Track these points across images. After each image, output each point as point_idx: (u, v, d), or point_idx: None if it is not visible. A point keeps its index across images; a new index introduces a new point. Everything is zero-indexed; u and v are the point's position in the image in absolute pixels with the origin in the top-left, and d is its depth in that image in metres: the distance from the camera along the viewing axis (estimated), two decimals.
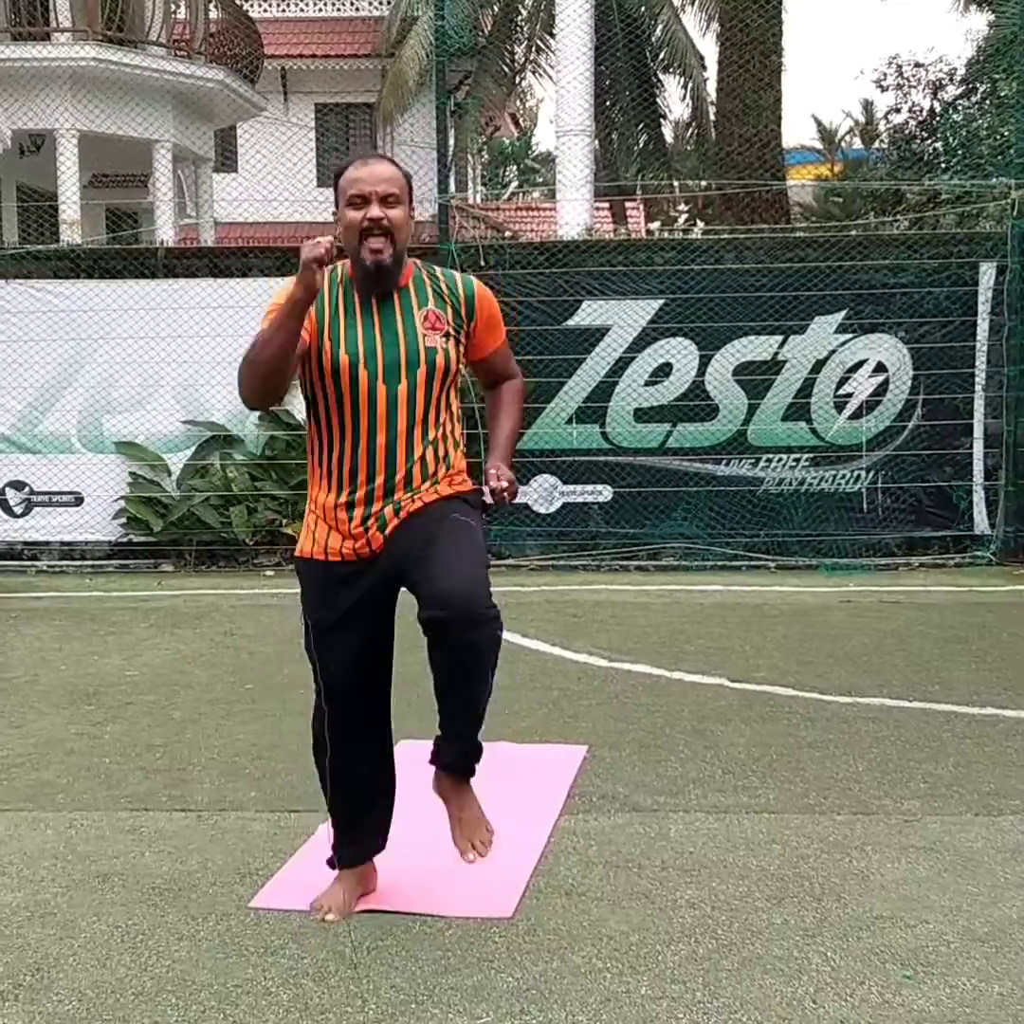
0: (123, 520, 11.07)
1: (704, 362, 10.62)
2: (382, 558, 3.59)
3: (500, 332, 3.80)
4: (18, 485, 11.16)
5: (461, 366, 3.71)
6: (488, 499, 3.65)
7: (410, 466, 3.58)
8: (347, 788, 3.77)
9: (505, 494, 3.56)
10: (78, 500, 11.14)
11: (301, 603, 3.74)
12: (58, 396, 11.07)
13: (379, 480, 3.57)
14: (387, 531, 3.59)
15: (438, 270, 3.73)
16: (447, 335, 3.61)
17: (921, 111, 16.48)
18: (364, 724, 3.76)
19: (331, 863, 3.83)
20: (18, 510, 11.19)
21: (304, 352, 3.56)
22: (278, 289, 3.63)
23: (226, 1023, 3.14)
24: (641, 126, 23.94)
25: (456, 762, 3.67)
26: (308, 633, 3.74)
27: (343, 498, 3.60)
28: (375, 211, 3.49)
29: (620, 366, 10.67)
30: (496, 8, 23.72)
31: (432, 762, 3.70)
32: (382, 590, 3.64)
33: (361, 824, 3.82)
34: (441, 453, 3.64)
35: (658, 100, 24.25)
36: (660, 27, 23.51)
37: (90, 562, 11.17)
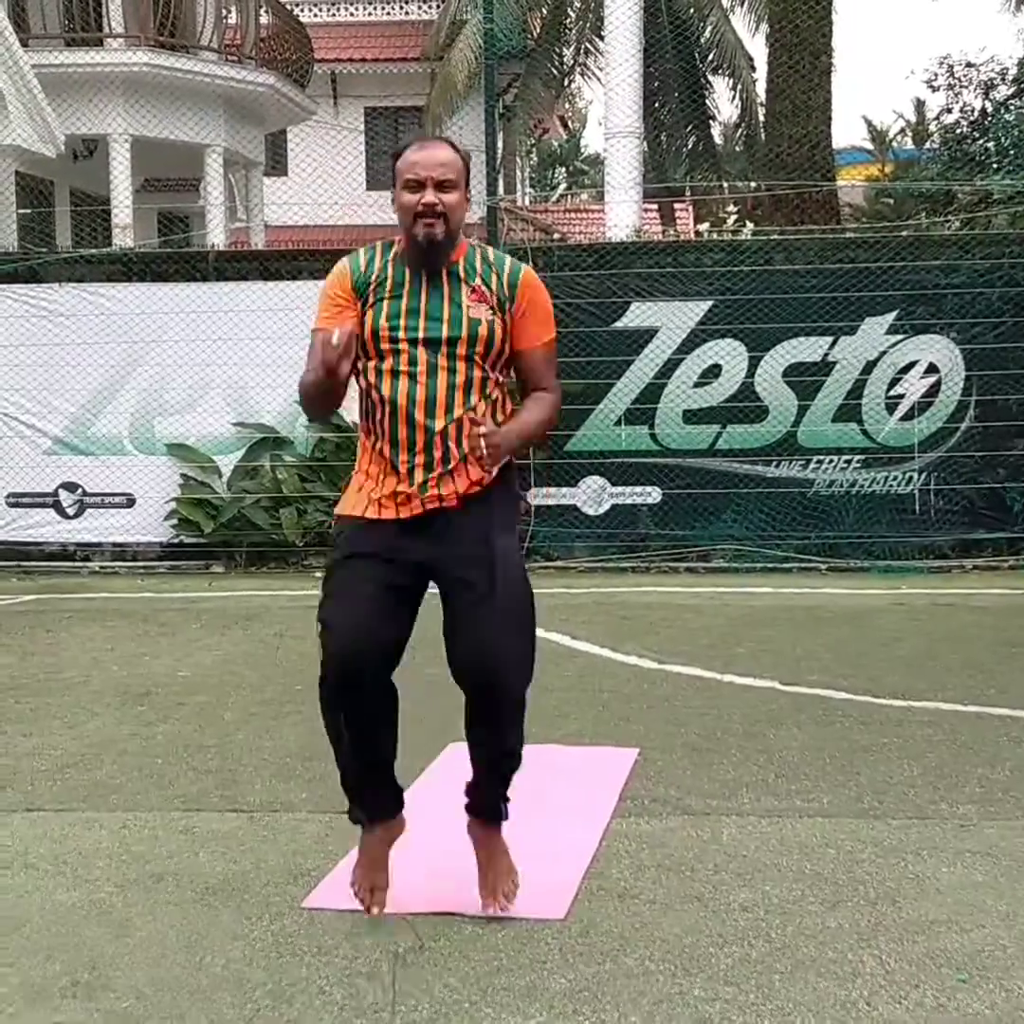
0: (174, 521, 11.15)
1: (754, 363, 10.59)
2: (424, 543, 3.55)
3: (544, 329, 3.72)
4: (71, 487, 11.27)
5: (508, 349, 3.63)
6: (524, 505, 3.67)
7: (448, 432, 3.53)
8: (360, 753, 3.67)
9: (481, 442, 3.45)
10: (130, 502, 11.23)
11: (326, 566, 3.70)
12: (110, 398, 11.17)
13: (421, 446, 3.53)
14: (433, 499, 3.55)
15: (491, 251, 3.74)
16: (493, 310, 3.58)
17: (972, 111, 16.35)
18: (371, 687, 3.61)
19: (355, 820, 3.78)
20: (71, 511, 11.29)
21: (356, 344, 3.59)
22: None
23: (281, 1021, 3.15)
24: (690, 127, 23.90)
25: (486, 808, 3.74)
26: (326, 586, 3.64)
27: (389, 455, 3.57)
28: (429, 196, 3.50)
29: (669, 367, 10.65)
30: (545, 10, 23.72)
31: (466, 807, 3.75)
32: (414, 571, 3.59)
33: (385, 772, 3.74)
34: (485, 408, 3.59)
35: (707, 101, 24.20)
36: (709, 28, 23.48)
37: (142, 563, 11.26)
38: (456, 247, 3.61)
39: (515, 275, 3.67)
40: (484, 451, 3.45)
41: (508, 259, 3.73)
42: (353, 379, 3.65)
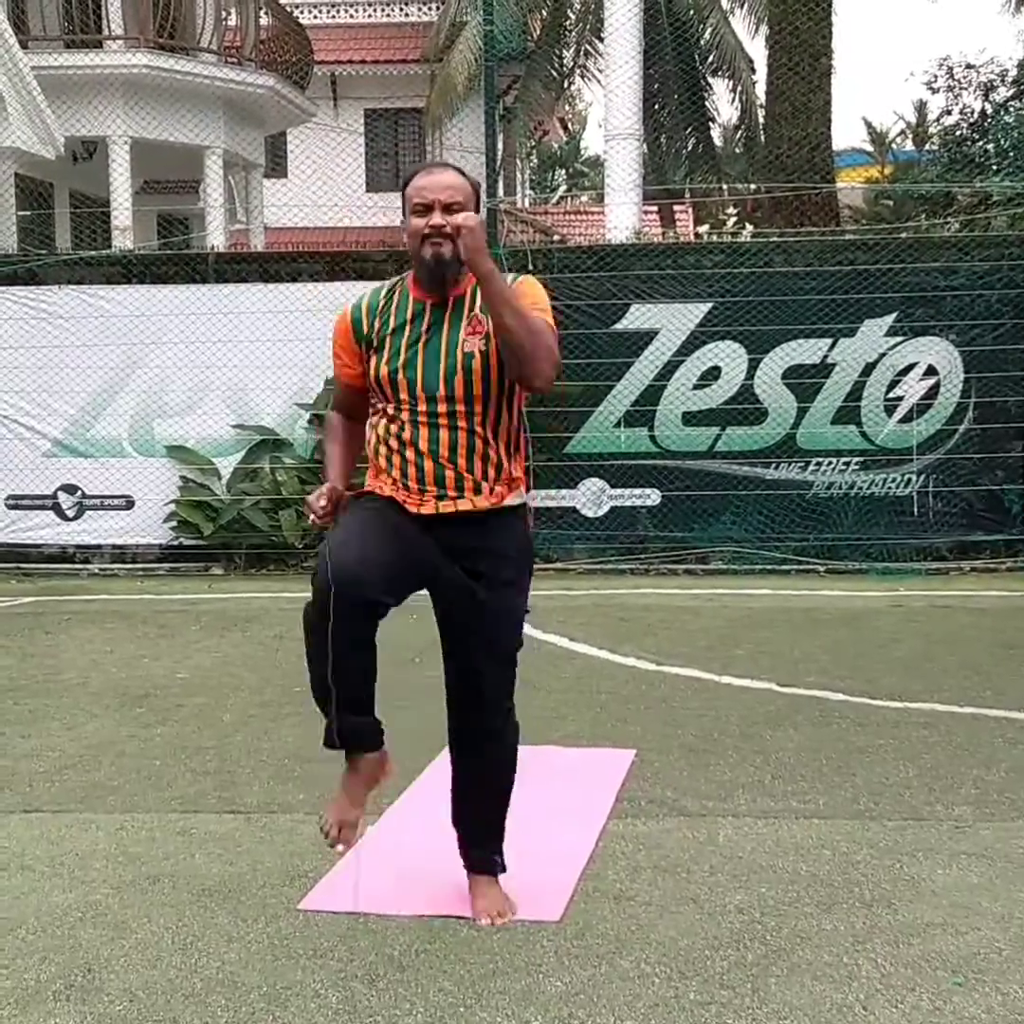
0: (174, 523, 11.15)
1: (753, 365, 10.60)
2: (435, 541, 3.58)
3: (544, 309, 3.62)
4: (70, 489, 11.27)
5: (504, 373, 3.57)
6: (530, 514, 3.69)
7: (461, 473, 3.56)
8: (342, 677, 3.54)
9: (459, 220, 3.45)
10: (129, 503, 11.24)
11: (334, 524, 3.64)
12: (110, 400, 11.17)
13: (431, 483, 3.56)
14: (448, 506, 3.57)
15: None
16: (485, 338, 3.56)
17: (972, 113, 16.37)
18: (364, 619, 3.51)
19: (331, 744, 3.60)
20: (70, 513, 11.30)
21: (361, 391, 3.72)
22: (335, 301, 3.69)
23: None
24: (690, 129, 23.90)
25: (480, 864, 3.80)
26: (335, 531, 3.57)
27: (399, 483, 3.60)
28: (437, 218, 3.51)
29: (668, 370, 10.66)
30: (544, 12, 23.72)
31: (461, 854, 3.83)
32: (430, 549, 3.59)
33: (366, 698, 3.60)
34: (500, 459, 3.62)
35: (707, 103, 24.19)
36: (709, 30, 23.48)
37: (141, 565, 11.27)
38: (465, 272, 3.57)
39: (513, 283, 3.64)
40: (460, 226, 3.44)
41: (510, 275, 3.70)
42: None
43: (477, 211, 3.63)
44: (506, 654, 3.68)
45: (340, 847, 3.63)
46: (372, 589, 3.42)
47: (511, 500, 3.66)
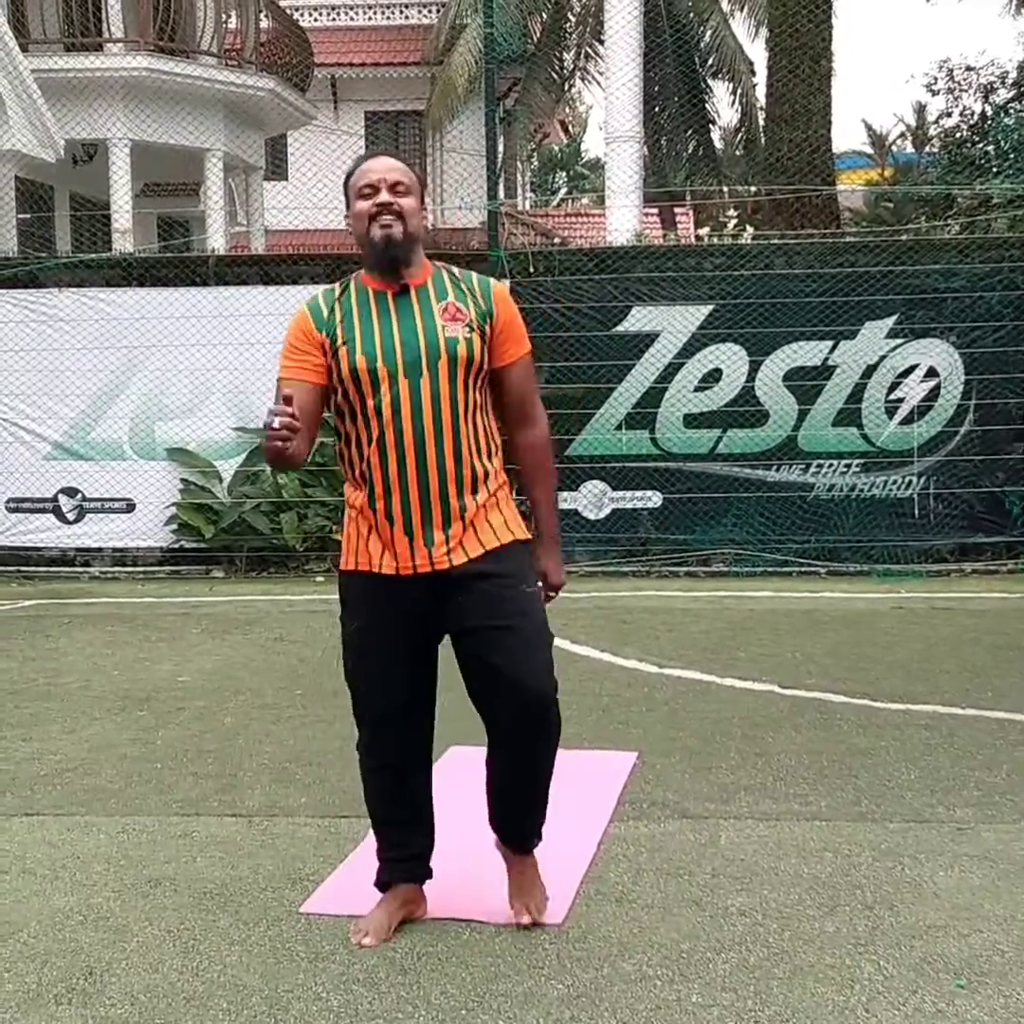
0: (174, 526, 11.15)
1: (754, 367, 10.60)
2: (438, 601, 3.51)
3: (521, 343, 3.63)
4: (71, 492, 11.27)
5: (488, 365, 3.55)
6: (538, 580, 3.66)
7: (443, 468, 3.45)
8: (390, 807, 3.72)
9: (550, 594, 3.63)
10: (130, 507, 11.23)
11: (341, 621, 3.67)
12: (110, 403, 11.17)
13: (415, 483, 3.44)
14: (442, 560, 3.48)
15: (457, 270, 3.65)
16: (469, 326, 3.50)
17: (972, 115, 16.36)
18: (409, 747, 3.69)
19: (378, 884, 3.73)
20: (71, 517, 11.29)
21: (321, 396, 3.54)
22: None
23: None
24: (690, 131, 23.88)
25: (519, 839, 3.75)
26: (347, 651, 3.64)
27: (382, 506, 3.48)
28: (384, 196, 3.47)
29: (670, 372, 10.65)
30: (545, 15, 23.73)
31: (493, 828, 3.77)
32: (431, 624, 3.57)
33: (407, 840, 3.73)
34: (478, 453, 3.51)
35: (707, 105, 24.18)
36: (709, 32, 23.47)
37: (142, 568, 11.26)
38: (419, 260, 3.55)
39: (486, 287, 3.60)
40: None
41: (475, 275, 3.65)
42: (333, 419, 3.60)
43: (421, 198, 3.56)
44: (547, 641, 3.61)
45: (367, 940, 3.59)
46: (399, 726, 3.64)
47: (511, 530, 3.57)
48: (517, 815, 3.73)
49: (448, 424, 3.46)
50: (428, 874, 3.76)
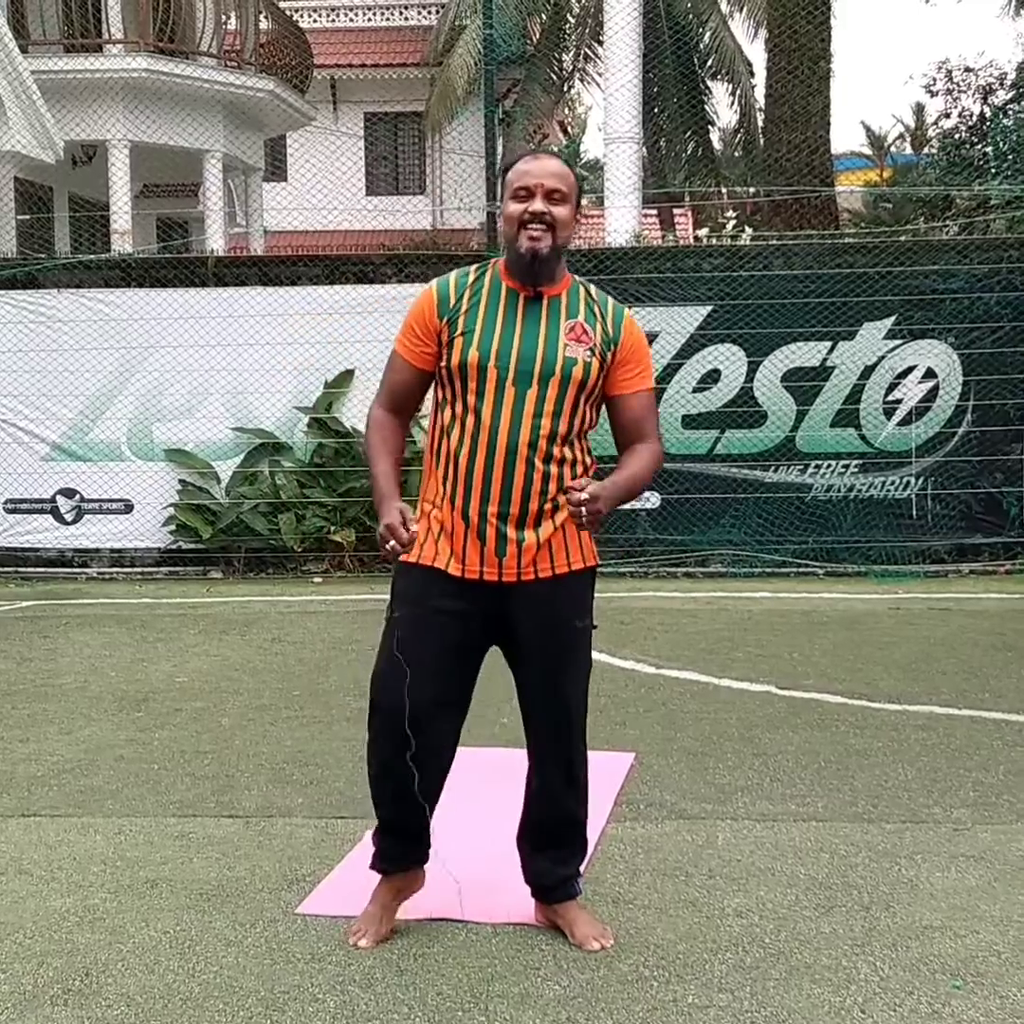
0: (172, 527, 11.15)
1: (752, 368, 10.60)
2: (496, 611, 3.47)
3: (645, 375, 3.56)
4: (69, 493, 11.27)
5: (600, 390, 3.50)
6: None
7: (529, 482, 3.38)
8: (397, 803, 3.60)
9: (582, 511, 3.29)
10: (128, 507, 11.23)
11: (387, 612, 3.56)
12: (108, 404, 11.17)
13: (498, 490, 3.39)
14: (510, 573, 3.44)
15: (594, 289, 3.58)
16: (591, 350, 3.44)
17: (971, 116, 16.36)
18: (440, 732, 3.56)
19: (375, 868, 3.70)
20: (69, 517, 11.30)
21: (424, 377, 3.53)
22: (410, 299, 3.60)
23: None
24: (689, 133, 23.89)
25: (559, 888, 3.65)
26: (389, 638, 3.50)
27: (461, 504, 3.43)
28: (537, 205, 3.39)
29: (668, 372, 10.65)
30: (544, 16, 23.74)
31: (528, 882, 3.69)
32: (481, 632, 3.52)
33: (408, 826, 3.64)
34: (566, 476, 3.43)
35: (706, 106, 24.20)
36: (708, 34, 23.49)
37: (140, 569, 11.26)
38: (561, 272, 3.50)
39: (619, 316, 3.54)
40: (584, 517, 3.29)
41: (611, 300, 3.59)
42: (433, 404, 3.56)
43: (578, 204, 3.50)
44: (584, 678, 3.61)
45: (364, 942, 3.56)
46: (425, 725, 3.47)
47: (583, 555, 3.53)
48: (556, 858, 3.65)
49: (544, 439, 3.39)
50: (425, 857, 3.70)
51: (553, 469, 3.42)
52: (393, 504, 3.38)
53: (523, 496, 3.40)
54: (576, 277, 3.59)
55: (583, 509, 3.27)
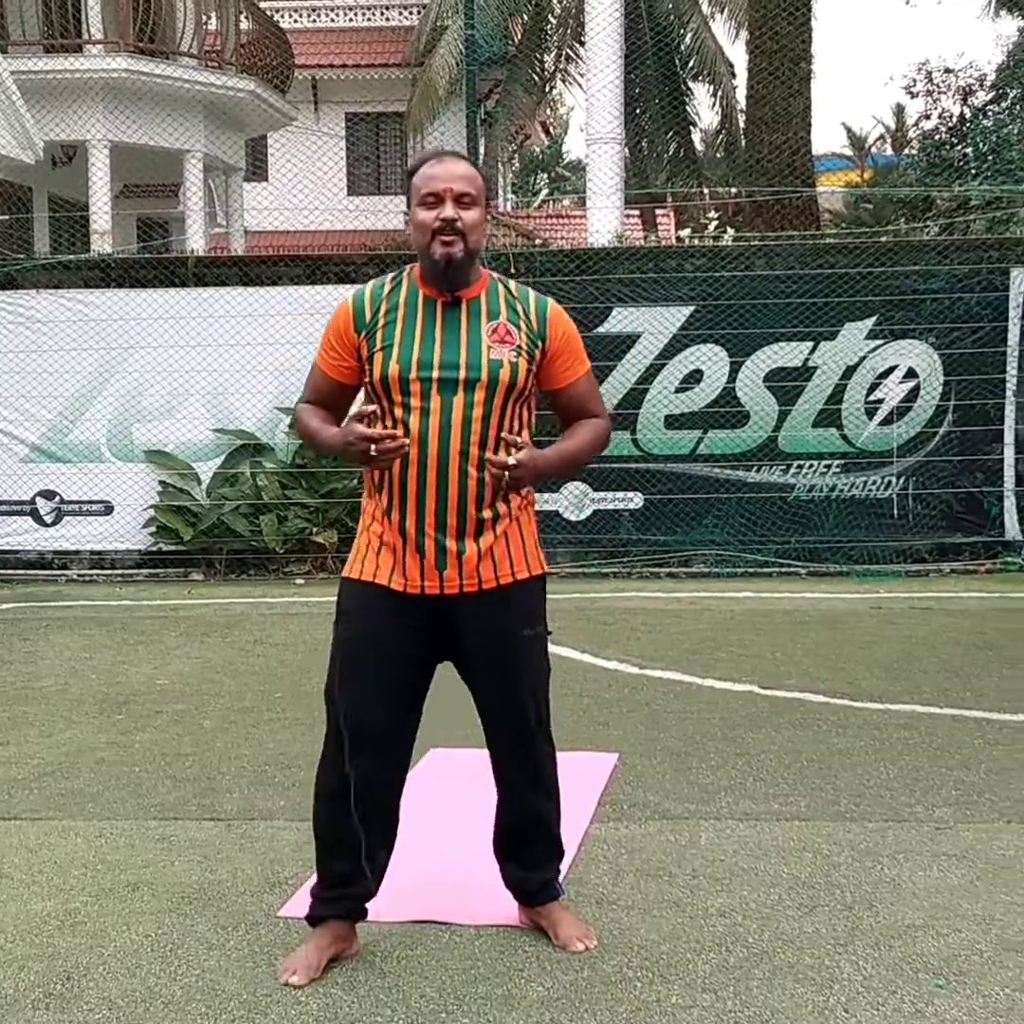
0: (153, 529, 11.11)
1: (735, 369, 10.61)
2: (444, 626, 3.41)
3: (580, 363, 3.52)
4: (49, 494, 11.23)
5: (533, 388, 3.43)
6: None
7: (464, 491, 3.31)
8: (335, 838, 3.48)
9: (503, 472, 3.25)
10: (108, 509, 11.19)
11: (334, 629, 3.51)
12: (88, 405, 11.13)
13: (434, 502, 3.31)
14: (452, 585, 3.37)
15: (513, 285, 3.49)
16: (518, 350, 3.37)
17: (951, 117, 16.43)
18: (389, 769, 3.49)
19: (310, 919, 3.52)
20: (49, 519, 11.25)
21: (346, 389, 3.48)
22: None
23: None
24: (671, 133, 23.92)
25: (541, 891, 3.63)
26: (336, 663, 3.46)
27: (397, 518, 3.35)
28: (448, 211, 3.31)
29: (651, 373, 10.66)
30: (526, 16, 23.74)
31: (508, 888, 3.66)
32: (431, 648, 3.45)
33: (350, 877, 3.49)
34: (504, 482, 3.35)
35: (688, 107, 24.23)
36: (689, 35, 23.51)
37: (120, 571, 11.22)
38: (477, 273, 3.42)
39: (543, 311, 3.46)
40: (504, 481, 3.26)
41: (532, 293, 3.50)
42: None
43: (488, 203, 3.41)
44: (542, 685, 3.57)
45: (295, 978, 3.36)
46: (379, 752, 3.43)
47: (529, 564, 3.46)
48: (534, 862, 3.62)
49: (476, 446, 3.31)
50: (363, 914, 3.55)
51: (488, 476, 3.31)
52: (343, 427, 3.35)
53: (460, 506, 3.33)
54: (494, 274, 3.50)
55: (506, 474, 3.24)
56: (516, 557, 3.44)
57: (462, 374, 3.32)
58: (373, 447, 3.24)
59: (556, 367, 3.47)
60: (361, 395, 3.51)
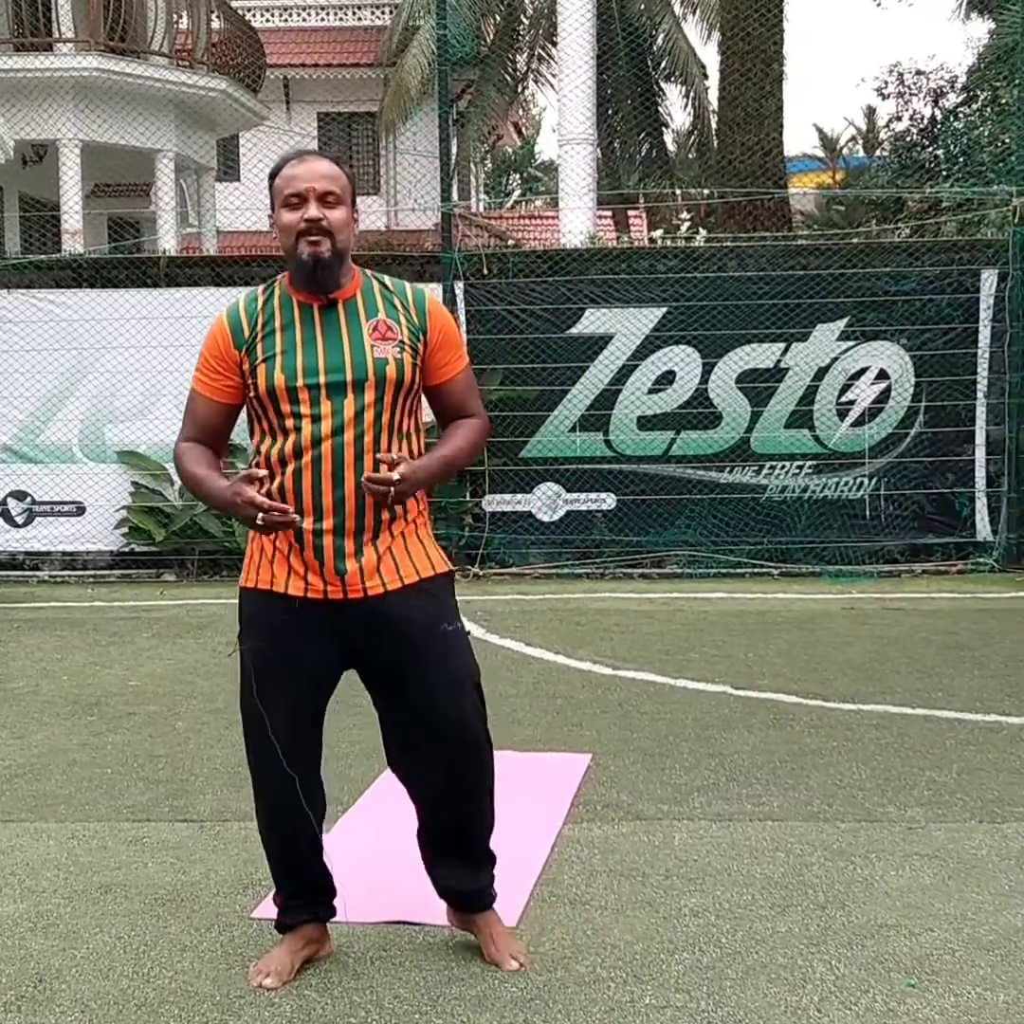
0: (125, 530, 11.07)
1: (707, 370, 10.62)
2: (348, 631, 3.32)
3: (459, 356, 3.46)
4: (20, 495, 11.17)
5: (419, 382, 3.38)
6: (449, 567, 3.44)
7: (361, 494, 3.24)
8: (292, 845, 3.47)
9: (380, 488, 3.18)
10: (80, 510, 11.14)
11: (237, 644, 3.43)
12: (60, 406, 11.07)
13: (330, 505, 3.25)
14: (355, 588, 3.29)
15: (388, 279, 3.44)
16: (401, 345, 3.31)
17: (922, 119, 16.52)
18: (308, 772, 3.46)
19: (279, 927, 3.52)
20: (20, 520, 11.19)
21: (231, 410, 3.44)
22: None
23: None
24: (643, 134, 23.97)
25: (473, 897, 3.54)
26: (245, 677, 3.40)
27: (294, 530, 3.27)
28: (313, 211, 3.23)
29: (623, 374, 10.67)
30: (498, 17, 23.75)
31: (443, 896, 3.57)
32: (336, 655, 3.38)
33: (310, 881, 3.51)
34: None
35: (660, 108, 24.28)
36: (661, 36, 23.56)
37: (92, 572, 11.17)
38: (348, 271, 3.34)
39: (421, 303, 3.40)
40: (389, 498, 3.20)
41: (407, 286, 3.44)
42: (248, 430, 3.44)
43: (354, 202, 3.33)
44: (474, 680, 3.44)
45: (268, 981, 3.36)
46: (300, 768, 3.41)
47: (432, 563, 3.39)
48: (465, 871, 3.52)
49: (370, 448, 3.26)
50: (332, 912, 3.56)
51: (370, 494, 3.24)
52: (231, 485, 3.25)
53: (357, 508, 3.27)
54: (366, 271, 3.43)
55: (391, 489, 3.18)
56: (416, 556, 3.37)
57: (349, 376, 3.27)
58: (260, 516, 3.17)
59: (435, 361, 3.41)
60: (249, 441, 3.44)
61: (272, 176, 3.35)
